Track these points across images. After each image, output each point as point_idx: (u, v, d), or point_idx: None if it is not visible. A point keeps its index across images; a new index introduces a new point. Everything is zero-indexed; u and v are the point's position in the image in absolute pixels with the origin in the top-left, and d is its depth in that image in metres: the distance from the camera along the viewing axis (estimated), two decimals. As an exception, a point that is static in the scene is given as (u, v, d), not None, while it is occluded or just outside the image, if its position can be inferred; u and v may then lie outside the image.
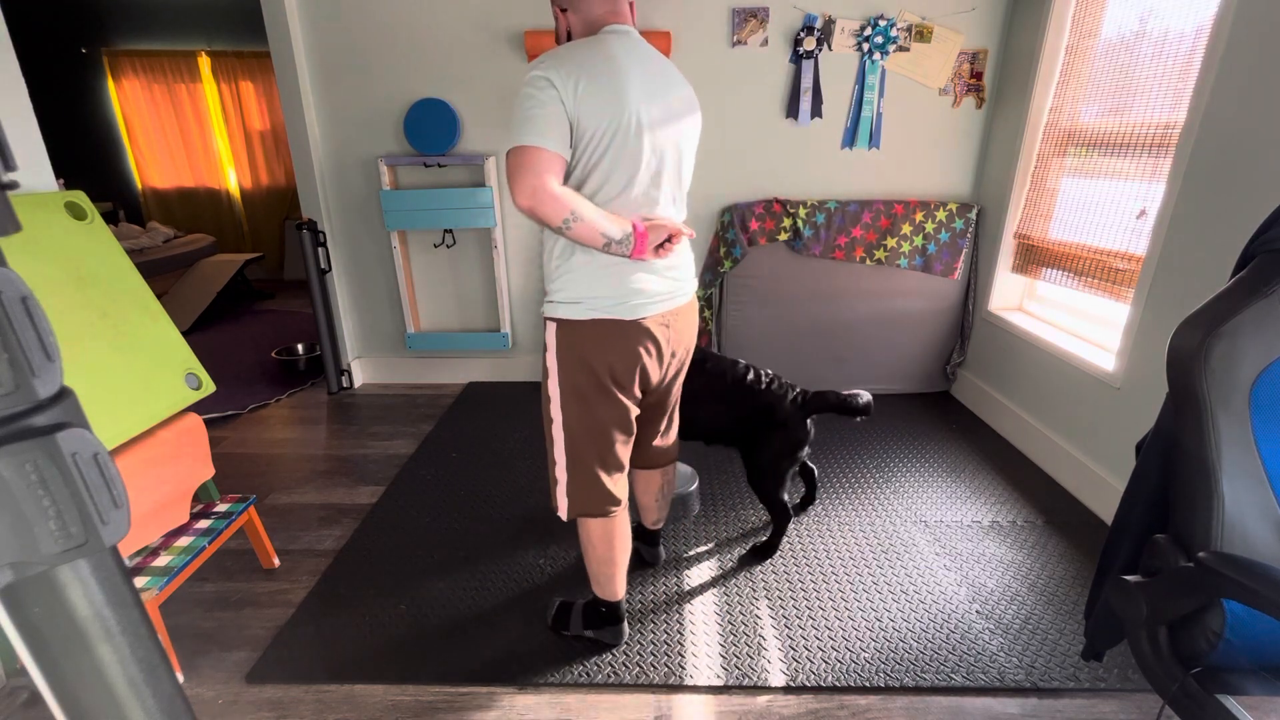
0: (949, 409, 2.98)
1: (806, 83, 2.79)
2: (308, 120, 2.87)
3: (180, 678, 1.51)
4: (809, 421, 1.82)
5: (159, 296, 1.77)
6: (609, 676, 1.50)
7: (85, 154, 5.66)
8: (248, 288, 5.37)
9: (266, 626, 1.67)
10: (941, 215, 2.86)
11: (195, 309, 4.54)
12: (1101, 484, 2.11)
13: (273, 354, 3.60)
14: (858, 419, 1.79)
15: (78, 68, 5.51)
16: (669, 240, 1.24)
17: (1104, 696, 1.45)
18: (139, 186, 5.90)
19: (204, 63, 5.49)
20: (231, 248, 5.95)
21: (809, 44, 2.73)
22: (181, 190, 5.94)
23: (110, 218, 5.58)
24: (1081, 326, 2.43)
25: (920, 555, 1.93)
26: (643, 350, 1.30)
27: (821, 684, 1.48)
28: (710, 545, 1.98)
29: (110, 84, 5.56)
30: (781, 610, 1.71)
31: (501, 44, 2.78)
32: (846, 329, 3.03)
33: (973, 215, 2.87)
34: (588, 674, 1.51)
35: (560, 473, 1.38)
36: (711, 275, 3.03)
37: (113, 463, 0.32)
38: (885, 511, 2.16)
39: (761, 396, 1.79)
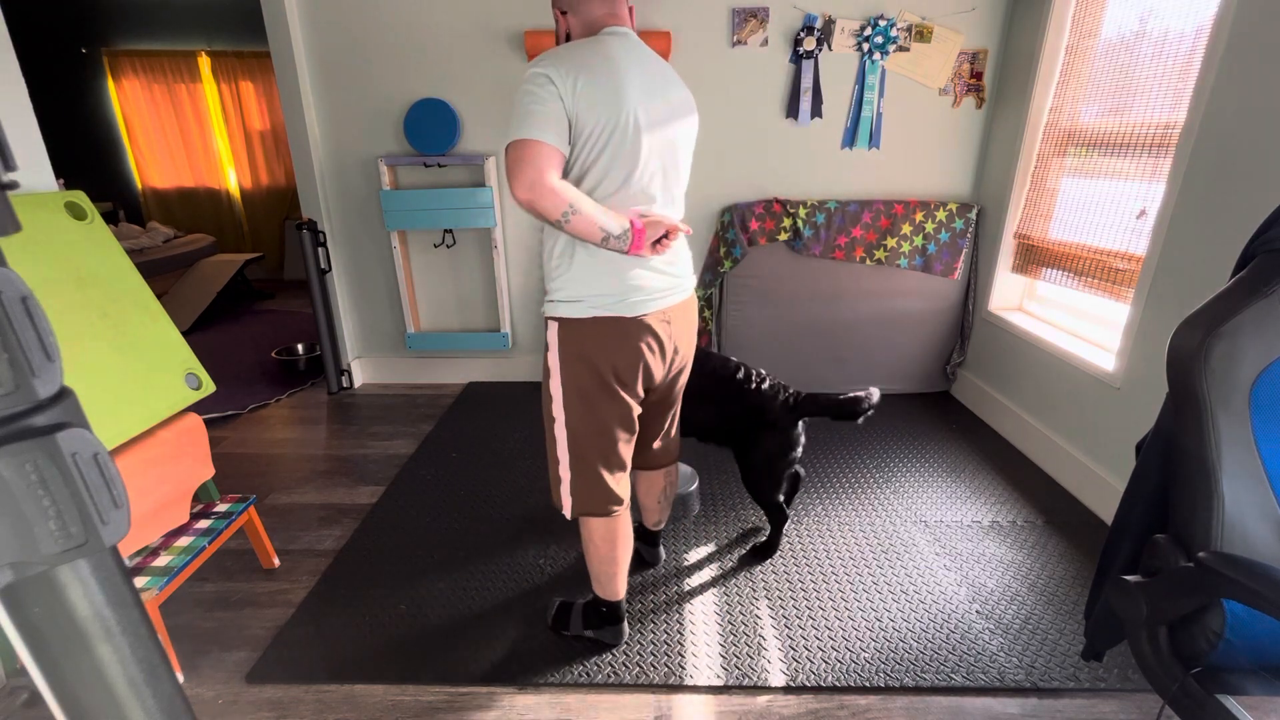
0: (949, 409, 2.98)
1: (806, 83, 2.79)
2: (308, 120, 2.87)
3: (180, 678, 1.51)
4: (801, 424, 1.80)
5: (159, 296, 1.77)
6: (609, 676, 1.50)
7: (85, 154, 5.66)
8: (248, 288, 5.37)
9: (266, 626, 1.67)
10: (941, 215, 2.86)
11: (195, 309, 4.54)
12: (1101, 484, 2.11)
13: (273, 354, 3.60)
14: (858, 420, 1.73)
15: (78, 68, 5.51)
16: (666, 236, 1.25)
17: (1104, 696, 1.45)
18: (139, 186, 5.90)
19: (204, 63, 5.49)
20: (231, 248, 5.95)
21: (809, 44, 2.73)
22: (181, 190, 5.94)
23: (110, 218, 5.58)
24: (1081, 326, 2.43)
25: (920, 555, 1.93)
26: (644, 347, 1.31)
27: (821, 684, 1.48)
28: (710, 545, 1.98)
29: (110, 84, 5.56)
30: (781, 610, 1.71)
31: (501, 44, 2.78)
32: (846, 329, 3.03)
33: (973, 215, 2.87)
34: (588, 674, 1.51)
35: (563, 471, 1.38)
36: (711, 275, 3.03)
37: (113, 463, 0.32)
38: (885, 511, 2.16)
39: (751, 396, 1.77)
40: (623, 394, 1.33)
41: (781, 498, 1.87)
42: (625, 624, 1.60)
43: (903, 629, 1.64)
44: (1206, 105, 1.74)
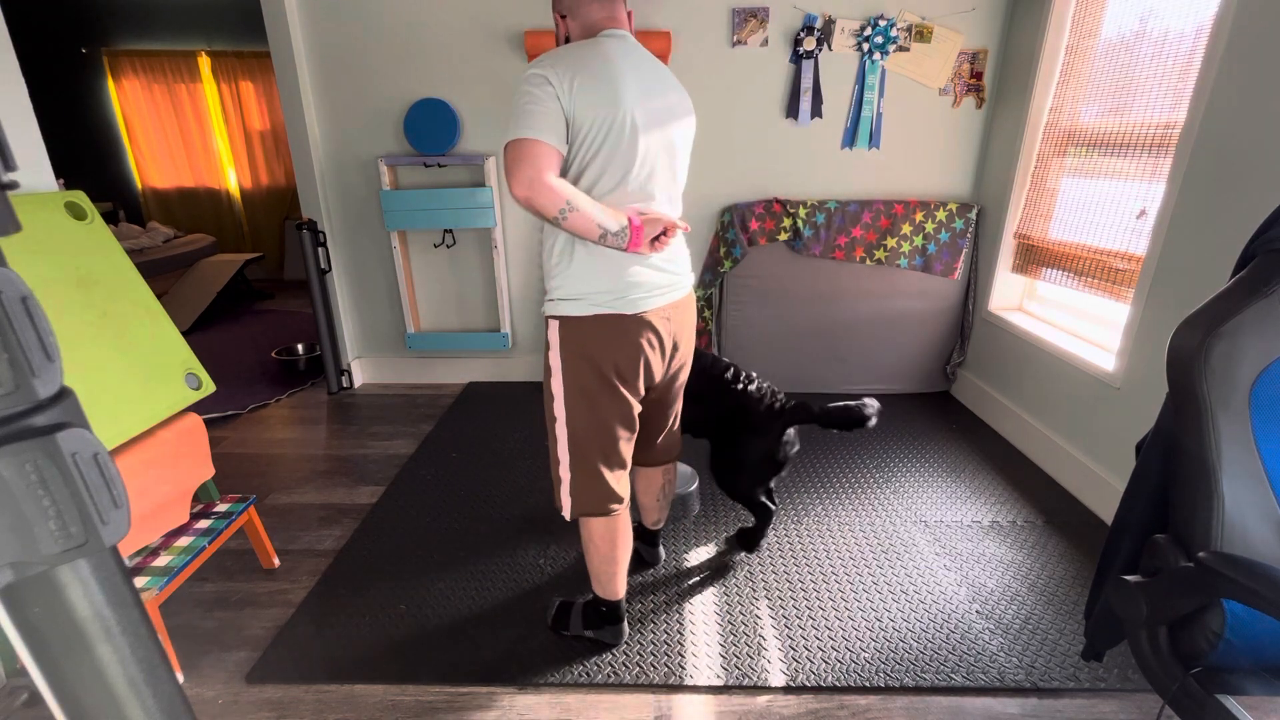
0: (949, 409, 2.98)
1: (806, 83, 2.79)
2: (308, 120, 2.87)
3: (180, 678, 1.51)
4: (790, 432, 1.75)
5: (159, 296, 1.77)
6: (609, 676, 1.50)
7: (85, 154, 5.66)
8: (248, 288, 5.37)
9: (266, 626, 1.67)
10: (941, 215, 2.86)
11: (195, 309, 4.54)
12: (1101, 484, 2.11)
13: (273, 354, 3.60)
14: (851, 430, 1.66)
15: (78, 68, 5.51)
16: (664, 234, 1.25)
17: (1104, 696, 1.45)
18: (139, 186, 5.90)
19: (204, 63, 5.49)
20: (231, 248, 5.95)
21: (809, 44, 2.73)
22: (181, 190, 5.94)
23: (110, 218, 5.58)
24: (1081, 326, 2.43)
25: (920, 555, 1.93)
26: (645, 344, 1.31)
27: (821, 684, 1.48)
28: (710, 545, 1.98)
29: (110, 84, 5.56)
30: (781, 610, 1.71)
31: (501, 44, 2.78)
32: (846, 329, 3.03)
33: (973, 215, 2.87)
34: (588, 674, 1.51)
35: (564, 471, 1.38)
36: (711, 275, 3.03)
37: (113, 463, 0.32)
38: (885, 511, 2.16)
39: (736, 396, 1.75)
40: (624, 391, 1.33)
41: (764, 497, 1.84)
42: (625, 624, 1.60)
43: (903, 629, 1.64)
44: (1206, 105, 1.74)
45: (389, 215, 2.92)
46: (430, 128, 2.86)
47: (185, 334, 4.12)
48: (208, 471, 1.69)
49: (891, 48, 2.74)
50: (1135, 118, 2.07)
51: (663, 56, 2.69)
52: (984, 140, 2.90)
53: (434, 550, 1.96)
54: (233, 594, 1.80)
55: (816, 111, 2.85)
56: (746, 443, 1.76)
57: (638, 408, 1.40)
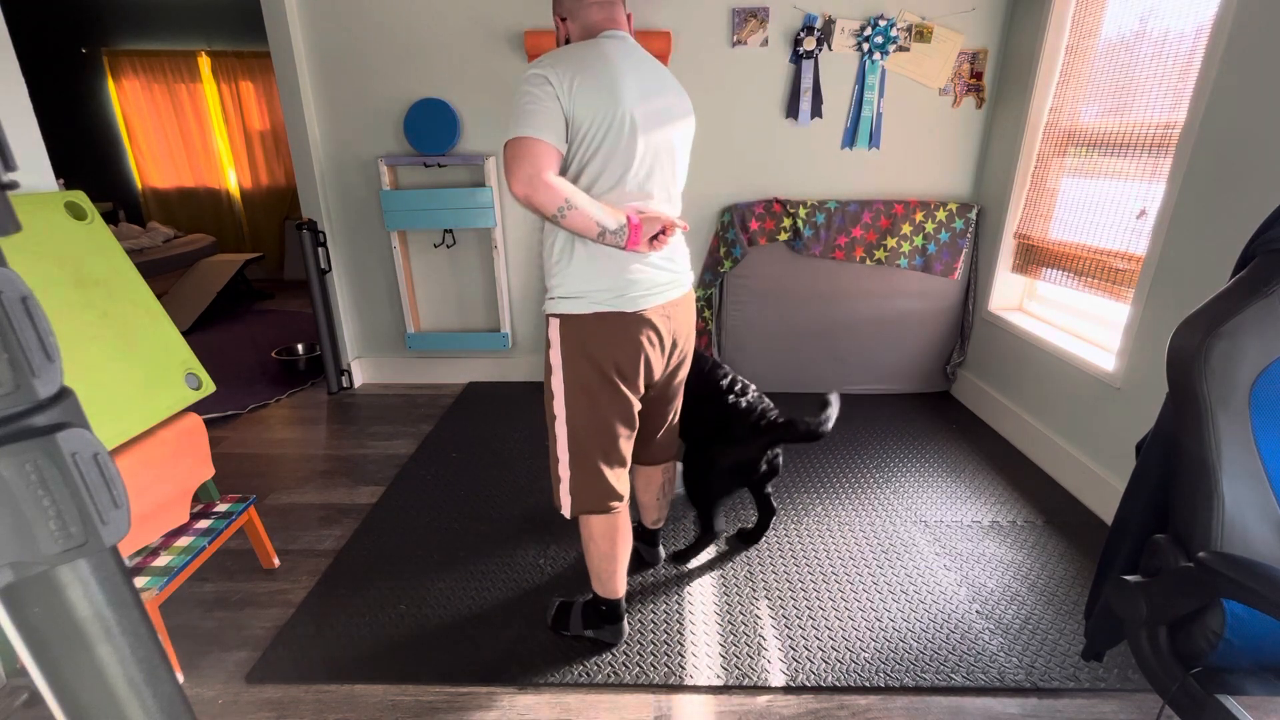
0: (949, 409, 2.98)
1: (806, 83, 2.79)
2: (308, 120, 2.87)
3: (180, 678, 1.51)
4: (771, 454, 1.72)
5: (159, 296, 1.77)
6: (609, 676, 1.50)
7: (85, 154, 5.66)
8: (248, 288, 5.36)
9: (266, 626, 1.67)
10: (941, 215, 2.86)
11: (195, 309, 4.54)
12: (1101, 484, 2.11)
13: (273, 354, 3.60)
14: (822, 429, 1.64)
15: (78, 68, 5.51)
16: (663, 232, 1.26)
17: (1104, 696, 1.45)
18: (139, 186, 5.90)
19: (204, 63, 5.49)
20: (231, 248, 5.95)
21: (809, 44, 2.73)
22: (181, 190, 5.94)
23: (110, 218, 5.58)
24: (1081, 326, 2.43)
25: (920, 555, 1.93)
26: (645, 341, 1.32)
27: (821, 684, 1.48)
28: (710, 545, 1.98)
29: (110, 84, 5.56)
30: (781, 610, 1.71)
31: (501, 44, 2.78)
32: (846, 329, 3.03)
33: (973, 215, 2.87)
34: (588, 674, 1.51)
35: (564, 470, 1.39)
36: (711, 275, 3.03)
37: (113, 463, 0.32)
38: (885, 511, 2.15)
39: (724, 406, 1.71)
40: (624, 389, 1.34)
41: (721, 518, 1.80)
42: (625, 623, 1.60)
43: (903, 629, 1.64)
44: (1206, 105, 1.74)
45: (389, 215, 2.92)
46: (430, 128, 2.86)
47: (185, 334, 4.12)
48: (208, 471, 1.69)
49: (891, 48, 2.74)
50: (1135, 118, 2.07)
51: (663, 56, 2.69)
52: (984, 140, 2.90)
53: (434, 550, 1.96)
54: (233, 594, 1.80)
55: (816, 111, 2.85)
56: (721, 451, 1.74)
57: (637, 405, 1.40)
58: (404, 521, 2.11)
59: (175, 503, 1.60)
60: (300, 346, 3.64)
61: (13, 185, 0.30)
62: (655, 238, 1.25)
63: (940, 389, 3.16)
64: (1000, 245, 2.75)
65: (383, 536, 2.04)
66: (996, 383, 2.81)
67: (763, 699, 1.45)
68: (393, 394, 3.24)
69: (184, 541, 1.60)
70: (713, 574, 1.86)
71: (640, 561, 1.88)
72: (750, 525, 1.99)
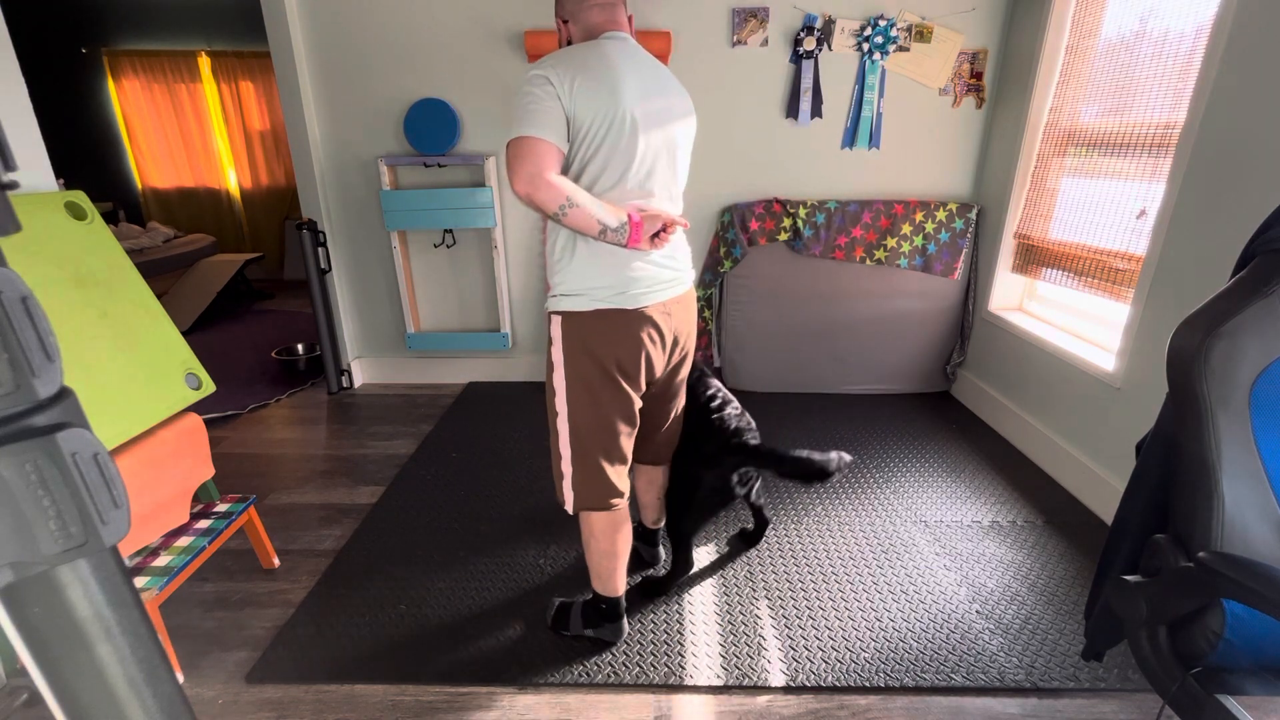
0: (949, 409, 2.98)
1: (806, 83, 2.79)
2: (308, 120, 2.87)
3: (180, 678, 1.51)
4: (743, 472, 1.63)
5: (159, 296, 1.77)
6: (609, 676, 1.50)
7: (85, 154, 5.66)
8: (248, 288, 5.36)
9: (266, 626, 1.67)
10: (941, 215, 2.86)
11: (195, 309, 4.54)
12: (1101, 484, 2.11)
13: (273, 354, 3.60)
14: (810, 484, 1.49)
15: (78, 68, 5.51)
16: (664, 230, 1.26)
17: (1104, 696, 1.45)
18: (139, 186, 5.90)
19: (204, 63, 5.49)
20: (231, 248, 5.94)
21: (809, 44, 2.73)
22: (181, 190, 5.94)
23: (110, 218, 5.58)
24: (1081, 326, 2.43)
25: (920, 555, 1.93)
26: (646, 338, 1.33)
27: (821, 684, 1.48)
28: (710, 545, 1.98)
29: (110, 84, 5.55)
30: (781, 610, 1.71)
31: (501, 44, 2.78)
32: (846, 329, 3.03)
33: (973, 215, 2.87)
34: (588, 674, 1.51)
35: (566, 466, 1.39)
36: (711, 275, 3.03)
37: (113, 463, 0.32)
38: (885, 511, 2.15)
39: (703, 422, 1.64)
40: (625, 386, 1.35)
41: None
42: (625, 621, 1.60)
43: (903, 629, 1.64)
44: (1206, 105, 1.74)
45: (389, 215, 2.92)
46: (430, 128, 2.86)
47: (185, 334, 4.12)
48: (208, 471, 1.69)
49: (891, 48, 2.74)
50: (1135, 118, 2.07)
51: (663, 57, 2.69)
52: (984, 140, 2.90)
53: (434, 550, 1.96)
54: (233, 594, 1.80)
55: (816, 111, 2.85)
56: (693, 473, 1.65)
57: (638, 403, 1.41)
58: (404, 521, 2.11)
59: (175, 503, 1.60)
60: (300, 346, 3.64)
61: (13, 185, 0.30)
62: (656, 235, 1.26)
63: (940, 389, 3.16)
64: (1000, 245, 2.75)
65: (383, 536, 2.04)
66: (996, 383, 2.81)
67: (763, 699, 1.45)
68: (393, 394, 3.24)
69: (184, 541, 1.60)
70: (713, 574, 1.86)
71: (640, 561, 1.88)
72: (750, 526, 1.99)
